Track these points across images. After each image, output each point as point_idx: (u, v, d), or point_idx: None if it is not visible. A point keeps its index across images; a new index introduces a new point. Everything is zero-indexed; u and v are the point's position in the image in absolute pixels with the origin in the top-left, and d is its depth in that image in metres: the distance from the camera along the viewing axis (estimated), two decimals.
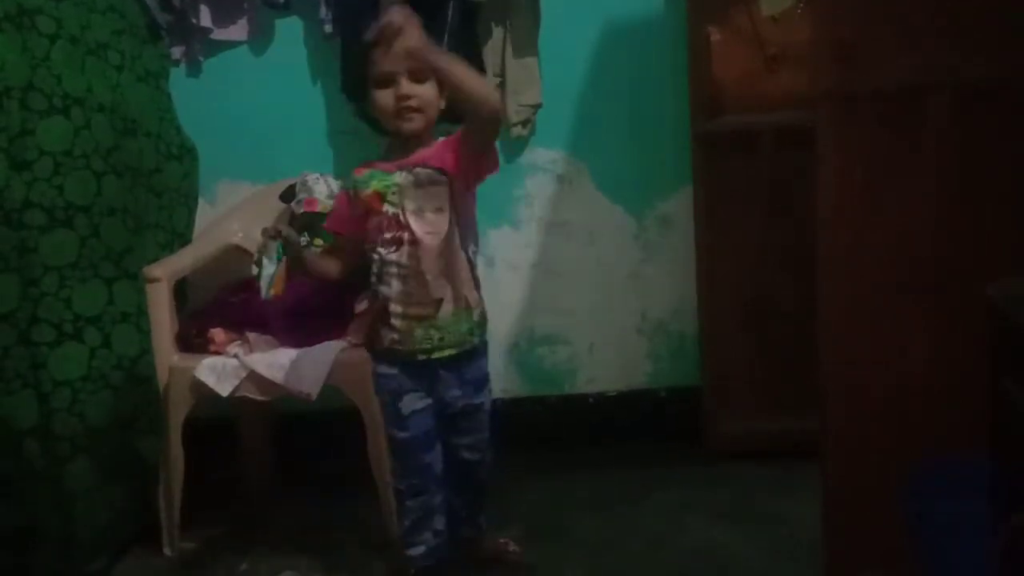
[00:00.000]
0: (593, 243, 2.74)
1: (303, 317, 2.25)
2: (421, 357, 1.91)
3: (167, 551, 2.30)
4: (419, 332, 1.89)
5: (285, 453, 2.65)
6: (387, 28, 1.74)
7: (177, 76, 2.64)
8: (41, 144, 2.01)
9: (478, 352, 1.98)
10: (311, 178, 2.49)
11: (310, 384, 2.14)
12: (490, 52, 2.58)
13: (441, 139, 1.90)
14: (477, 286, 1.95)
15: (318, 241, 2.39)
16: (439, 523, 2.00)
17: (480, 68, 1.92)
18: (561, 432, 2.76)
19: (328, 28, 2.55)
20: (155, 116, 2.45)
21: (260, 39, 2.66)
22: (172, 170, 2.49)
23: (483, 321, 1.98)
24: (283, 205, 2.52)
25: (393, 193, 1.86)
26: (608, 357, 2.80)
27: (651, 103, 2.68)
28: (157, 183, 2.42)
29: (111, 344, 2.14)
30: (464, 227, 1.90)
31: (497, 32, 2.57)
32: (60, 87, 2.05)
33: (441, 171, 1.86)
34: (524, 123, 2.62)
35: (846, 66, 1.55)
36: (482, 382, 2.01)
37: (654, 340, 2.79)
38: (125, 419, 2.19)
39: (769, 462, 2.46)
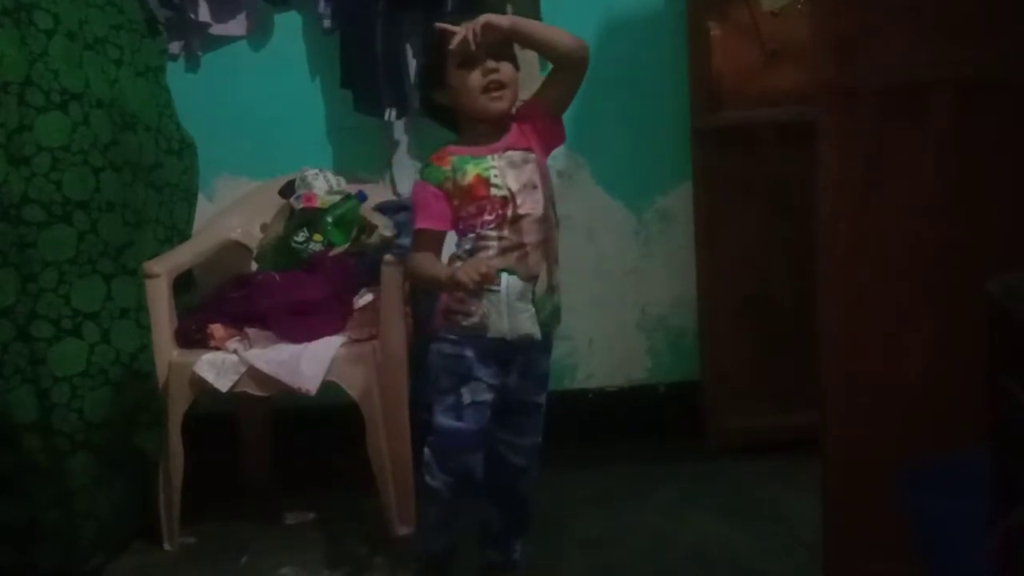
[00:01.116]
0: (593, 238, 2.74)
1: (303, 313, 2.25)
2: (505, 337, 1.81)
3: (167, 546, 2.30)
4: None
5: (285, 448, 2.65)
6: (477, 23, 1.73)
7: (176, 71, 2.64)
8: (39, 140, 2.00)
9: (548, 345, 1.91)
10: (310, 173, 2.48)
11: (310, 380, 2.14)
12: None
13: (514, 124, 1.85)
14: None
15: (318, 237, 2.39)
16: (466, 521, 1.94)
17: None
18: (560, 427, 2.74)
19: (327, 23, 2.54)
20: (154, 111, 2.44)
21: (259, 34, 2.66)
22: (171, 165, 2.49)
23: (560, 310, 1.90)
24: (282, 200, 2.52)
25: (496, 175, 1.80)
26: (608, 352, 2.80)
27: (651, 98, 2.67)
28: (156, 178, 2.41)
29: (110, 340, 2.14)
30: (553, 206, 1.87)
31: None
32: (58, 82, 2.04)
33: (528, 149, 1.83)
34: None
35: (846, 61, 1.55)
36: (545, 380, 1.93)
37: (654, 335, 2.79)
38: (125, 415, 2.18)
39: (768, 457, 2.46)
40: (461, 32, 1.73)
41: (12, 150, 1.97)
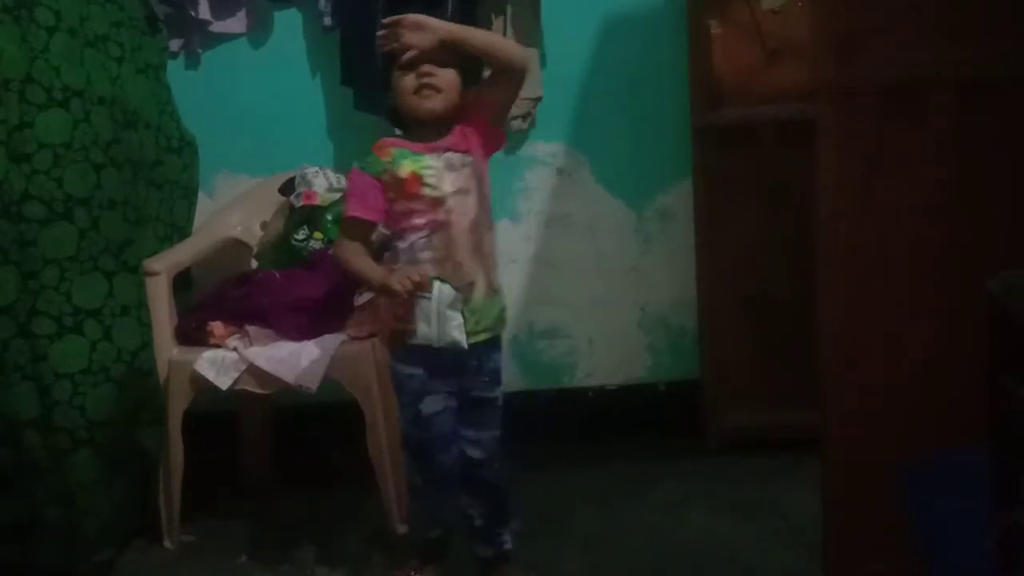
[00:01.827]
0: (593, 236, 2.74)
1: (302, 310, 2.25)
2: (453, 341, 1.82)
3: (167, 543, 2.30)
4: None
5: (285, 446, 2.65)
6: (405, 19, 1.80)
7: (176, 69, 2.64)
8: (40, 137, 2.01)
9: (496, 343, 1.93)
10: (310, 171, 2.48)
11: (310, 377, 2.14)
12: None
13: (457, 126, 1.88)
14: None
15: (318, 235, 2.39)
16: (448, 519, 2.00)
17: (478, 63, 1.91)
18: (560, 426, 2.76)
19: (327, 21, 2.54)
20: (155, 109, 2.45)
21: (259, 32, 2.66)
22: (172, 163, 2.49)
23: (504, 311, 1.94)
24: (282, 198, 2.52)
25: (431, 175, 1.82)
26: (607, 351, 2.80)
27: (651, 96, 2.67)
28: (157, 176, 2.41)
29: (112, 337, 2.14)
30: (487, 210, 1.89)
31: (497, 24, 2.56)
32: (59, 79, 2.04)
33: (466, 152, 1.85)
34: (524, 116, 2.62)
35: (846, 60, 1.55)
36: (498, 375, 1.94)
37: (653, 334, 2.79)
38: (126, 412, 2.18)
39: (768, 455, 2.46)
40: (390, 32, 1.81)
41: (13, 147, 1.97)
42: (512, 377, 2.79)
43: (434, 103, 1.82)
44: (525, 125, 2.64)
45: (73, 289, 2.07)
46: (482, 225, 1.86)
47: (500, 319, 1.91)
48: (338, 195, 2.43)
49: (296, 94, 2.68)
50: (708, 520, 2.27)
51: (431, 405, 1.88)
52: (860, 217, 1.58)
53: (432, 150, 1.84)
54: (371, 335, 2.24)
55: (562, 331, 2.79)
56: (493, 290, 1.88)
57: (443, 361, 1.85)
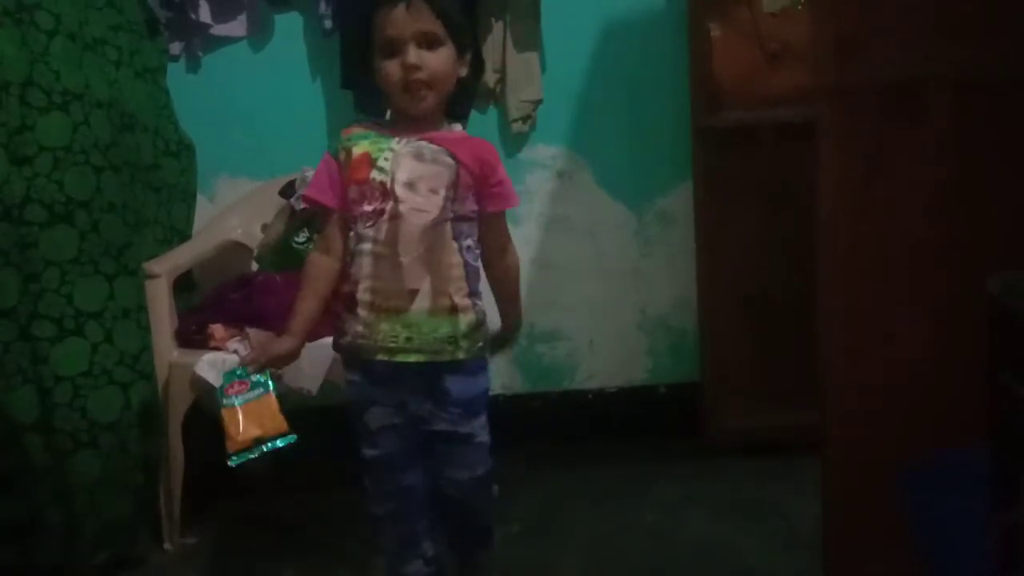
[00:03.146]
0: (593, 239, 2.74)
1: None
2: (381, 357, 1.62)
3: (167, 546, 2.30)
4: (384, 327, 1.61)
5: (285, 449, 2.65)
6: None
7: (176, 72, 2.64)
8: (40, 140, 2.01)
9: (466, 369, 1.65)
10: (310, 174, 2.47)
11: (310, 380, 2.14)
12: (490, 47, 2.57)
13: (460, 130, 1.70)
14: (474, 294, 1.66)
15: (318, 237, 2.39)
16: (428, 549, 1.76)
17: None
18: (561, 428, 2.76)
19: (328, 24, 2.54)
20: (152, 112, 2.45)
21: (259, 35, 2.66)
22: (170, 166, 2.49)
23: (474, 333, 1.65)
24: (282, 201, 2.52)
25: (385, 159, 1.60)
26: (608, 353, 2.80)
27: (652, 99, 2.68)
28: (155, 179, 2.42)
29: (113, 339, 2.14)
30: (462, 221, 1.64)
31: (497, 27, 2.57)
32: (59, 82, 2.05)
33: (452, 155, 1.62)
34: (524, 119, 2.62)
35: (847, 61, 1.55)
36: (472, 407, 1.67)
37: (654, 336, 2.79)
38: (127, 414, 2.18)
39: (769, 457, 2.46)
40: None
41: (13, 150, 1.98)
42: (512, 380, 2.79)
43: (427, 102, 1.62)
44: (525, 128, 2.64)
45: (74, 292, 2.07)
46: (447, 233, 1.61)
47: (453, 342, 1.63)
48: None
49: (297, 97, 2.68)
50: (708, 521, 2.27)
51: (378, 418, 1.67)
52: (860, 217, 1.57)
53: (402, 135, 1.63)
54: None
55: (562, 333, 2.79)
56: (453, 310, 1.62)
57: (378, 371, 1.65)
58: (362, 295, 1.61)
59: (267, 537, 2.36)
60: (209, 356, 2.20)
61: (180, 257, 2.37)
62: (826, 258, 1.63)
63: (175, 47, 2.64)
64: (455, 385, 1.65)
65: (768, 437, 2.50)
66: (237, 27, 2.63)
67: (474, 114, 2.58)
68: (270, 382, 1.86)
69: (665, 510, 2.34)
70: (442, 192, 1.61)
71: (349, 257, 1.64)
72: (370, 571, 2.17)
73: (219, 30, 2.62)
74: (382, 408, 1.67)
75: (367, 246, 1.61)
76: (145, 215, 2.35)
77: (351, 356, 1.68)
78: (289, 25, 2.66)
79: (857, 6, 1.53)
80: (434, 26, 1.59)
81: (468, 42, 1.67)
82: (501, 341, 1.81)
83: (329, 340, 2.18)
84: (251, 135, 2.69)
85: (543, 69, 2.63)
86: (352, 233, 1.63)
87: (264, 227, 2.56)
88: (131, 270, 2.20)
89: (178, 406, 2.22)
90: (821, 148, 1.59)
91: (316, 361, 2.15)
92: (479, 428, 1.69)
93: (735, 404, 2.61)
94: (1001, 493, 1.25)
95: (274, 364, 1.70)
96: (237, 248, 2.54)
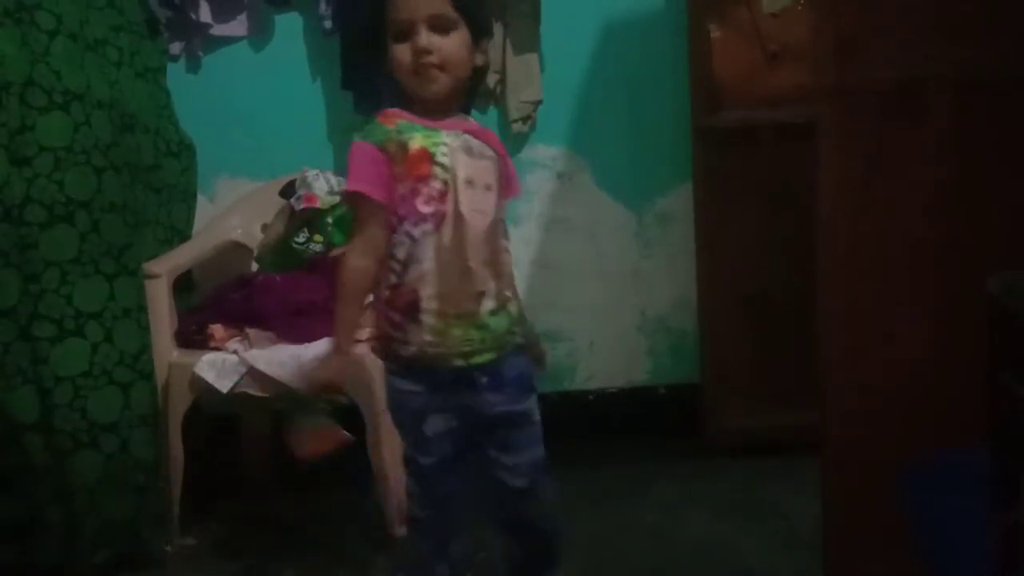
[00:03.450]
0: (593, 240, 2.74)
1: (303, 313, 2.25)
2: (458, 363, 1.55)
3: (167, 547, 2.30)
4: (457, 332, 1.53)
5: (285, 449, 2.65)
6: None
7: (176, 72, 2.64)
8: (41, 140, 2.01)
9: (519, 351, 1.63)
10: (310, 174, 2.48)
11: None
12: (490, 48, 2.57)
13: (476, 123, 1.64)
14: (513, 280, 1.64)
15: (318, 237, 2.39)
16: (456, 548, 1.68)
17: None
18: (561, 428, 2.73)
19: (328, 24, 2.55)
20: (153, 113, 2.45)
21: (260, 35, 2.66)
22: (170, 166, 2.49)
23: (522, 317, 1.65)
24: (282, 201, 2.52)
25: (443, 154, 1.52)
26: (608, 354, 2.80)
27: (652, 99, 2.68)
28: (156, 179, 2.42)
29: (113, 340, 2.14)
30: (503, 213, 1.62)
31: (497, 28, 2.56)
32: (60, 83, 2.05)
33: (492, 148, 1.59)
34: (524, 119, 2.62)
35: (847, 61, 1.55)
36: (526, 383, 1.63)
37: (654, 336, 2.79)
38: (127, 414, 2.18)
39: (769, 457, 2.46)
40: None
41: (14, 150, 1.98)
42: None
43: (439, 85, 1.54)
44: (525, 128, 2.64)
45: (74, 292, 2.07)
46: (501, 230, 1.60)
47: (512, 331, 1.60)
48: (338, 198, 2.43)
49: (297, 97, 2.68)
50: (708, 521, 2.27)
51: (435, 425, 1.58)
52: (860, 217, 1.58)
53: (446, 127, 1.55)
54: (372, 338, 2.23)
55: (563, 334, 2.79)
56: (507, 302, 1.59)
57: (443, 378, 1.57)
58: (428, 303, 1.52)
59: (267, 537, 2.36)
60: (209, 356, 2.20)
61: (180, 257, 2.37)
62: (826, 258, 1.63)
63: (175, 47, 2.64)
64: (511, 368, 1.61)
65: (768, 437, 2.50)
66: (237, 27, 2.63)
67: (474, 114, 2.57)
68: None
69: (665, 510, 2.34)
70: (495, 189, 1.58)
71: (397, 265, 1.53)
72: (370, 571, 2.18)
73: (219, 30, 2.62)
74: (441, 415, 1.58)
75: (428, 252, 1.51)
76: (145, 215, 2.35)
77: (413, 365, 1.57)
78: (289, 25, 2.66)
79: (857, 6, 1.54)
80: (446, 9, 1.53)
81: (484, 28, 1.61)
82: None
83: (330, 341, 2.20)
84: (251, 135, 2.69)
85: (543, 69, 2.63)
86: (406, 239, 1.52)
87: (264, 227, 2.56)
88: (131, 270, 2.20)
89: (178, 406, 2.22)
90: (821, 148, 1.59)
91: (316, 362, 2.15)
92: (534, 406, 1.65)
93: (735, 404, 2.61)
94: (1001, 493, 1.25)
95: (331, 391, 1.62)
96: (237, 248, 2.54)
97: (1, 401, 2.02)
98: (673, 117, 2.64)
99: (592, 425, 2.78)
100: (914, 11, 1.52)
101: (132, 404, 2.18)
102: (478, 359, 1.56)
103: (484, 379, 1.58)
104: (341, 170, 2.60)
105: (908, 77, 1.53)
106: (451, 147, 1.53)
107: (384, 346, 1.60)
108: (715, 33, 2.52)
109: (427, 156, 1.51)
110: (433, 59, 1.52)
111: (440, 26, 1.52)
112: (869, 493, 1.66)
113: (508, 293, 1.60)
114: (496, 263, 1.57)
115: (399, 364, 1.58)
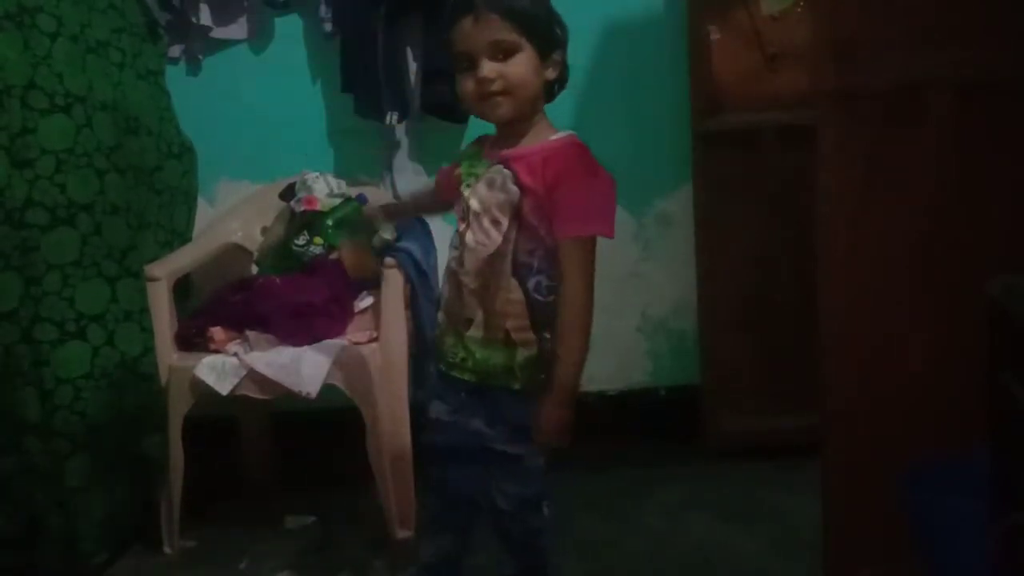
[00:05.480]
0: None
1: (303, 316, 2.25)
2: (443, 367, 1.65)
3: (167, 549, 2.29)
4: (449, 340, 1.63)
5: (285, 451, 2.65)
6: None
7: (176, 75, 2.64)
8: (43, 142, 2.01)
9: (523, 397, 1.59)
10: (311, 177, 2.49)
11: (310, 383, 2.14)
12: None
13: (564, 137, 1.63)
14: (538, 326, 1.57)
15: (318, 240, 2.40)
16: (446, 541, 1.76)
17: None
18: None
19: (328, 27, 2.55)
20: (155, 114, 2.45)
21: (260, 38, 2.66)
22: (172, 169, 2.50)
23: (533, 366, 1.58)
24: (283, 204, 2.52)
25: (468, 184, 1.60)
26: (608, 356, 2.79)
27: (651, 102, 2.68)
28: (157, 181, 2.42)
29: (114, 342, 2.14)
30: (525, 254, 1.55)
31: None
32: (61, 85, 2.05)
33: (518, 183, 1.55)
34: None
35: (846, 64, 1.56)
36: (522, 433, 1.60)
37: (654, 339, 2.79)
38: (127, 417, 2.19)
39: (769, 459, 2.46)
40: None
41: (15, 153, 1.98)
42: None
43: (504, 110, 1.55)
44: None
45: (76, 294, 2.07)
46: (505, 268, 1.56)
47: (509, 373, 1.58)
48: (338, 200, 2.44)
49: (297, 100, 2.68)
50: (709, 524, 2.27)
51: (436, 409, 1.69)
52: (860, 218, 1.58)
53: (495, 152, 1.60)
54: (372, 340, 2.24)
55: None
56: (510, 343, 1.57)
57: (443, 374, 1.66)
58: (442, 303, 1.66)
59: (267, 540, 2.35)
60: (209, 359, 2.20)
61: (181, 260, 2.37)
62: (826, 258, 1.63)
63: (175, 50, 2.64)
64: (510, 409, 1.61)
65: (768, 439, 2.50)
66: (237, 30, 2.63)
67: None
68: None
69: (666, 513, 2.34)
70: (504, 223, 1.55)
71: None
72: (370, 572, 2.18)
73: (219, 33, 2.62)
74: (442, 403, 1.69)
75: (452, 261, 1.63)
76: (147, 217, 2.35)
77: (433, 350, 1.71)
78: (289, 28, 2.66)
79: (856, 8, 1.54)
80: (506, 34, 1.50)
81: (552, 42, 1.57)
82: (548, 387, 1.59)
83: (329, 343, 2.21)
84: (252, 138, 2.69)
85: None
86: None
87: (264, 230, 2.56)
88: (133, 273, 2.20)
89: (178, 409, 2.21)
90: (821, 151, 1.59)
91: (316, 364, 2.16)
92: (531, 452, 1.63)
93: (735, 406, 2.61)
94: (1001, 494, 1.25)
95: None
96: (237, 251, 2.54)
97: (3, 403, 2.02)
98: (673, 119, 2.64)
99: (592, 428, 2.76)
100: (913, 13, 1.52)
101: (132, 407, 2.19)
102: (458, 373, 1.63)
103: (469, 402, 1.64)
104: (341, 172, 2.61)
105: (907, 78, 1.54)
106: (479, 177, 1.60)
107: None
108: (715, 35, 2.52)
109: (457, 183, 1.63)
110: (496, 87, 1.52)
111: (502, 52, 1.51)
112: (869, 494, 1.66)
113: (515, 334, 1.57)
114: (488, 297, 1.57)
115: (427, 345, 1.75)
